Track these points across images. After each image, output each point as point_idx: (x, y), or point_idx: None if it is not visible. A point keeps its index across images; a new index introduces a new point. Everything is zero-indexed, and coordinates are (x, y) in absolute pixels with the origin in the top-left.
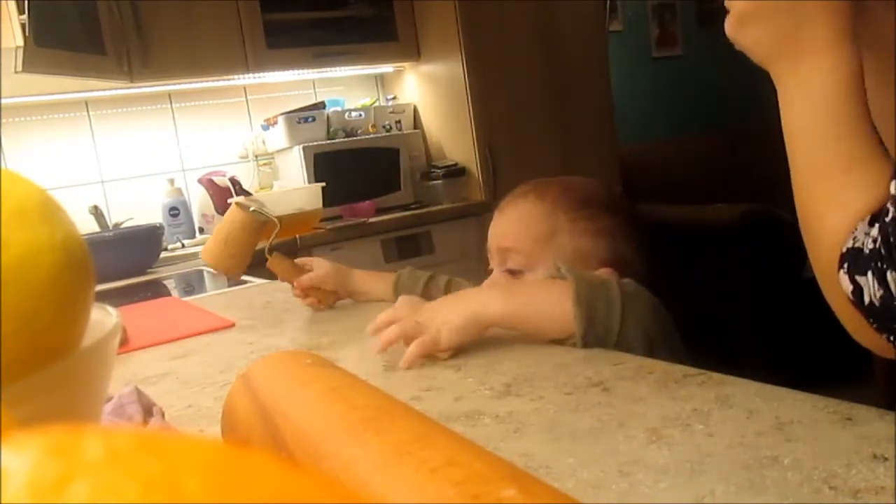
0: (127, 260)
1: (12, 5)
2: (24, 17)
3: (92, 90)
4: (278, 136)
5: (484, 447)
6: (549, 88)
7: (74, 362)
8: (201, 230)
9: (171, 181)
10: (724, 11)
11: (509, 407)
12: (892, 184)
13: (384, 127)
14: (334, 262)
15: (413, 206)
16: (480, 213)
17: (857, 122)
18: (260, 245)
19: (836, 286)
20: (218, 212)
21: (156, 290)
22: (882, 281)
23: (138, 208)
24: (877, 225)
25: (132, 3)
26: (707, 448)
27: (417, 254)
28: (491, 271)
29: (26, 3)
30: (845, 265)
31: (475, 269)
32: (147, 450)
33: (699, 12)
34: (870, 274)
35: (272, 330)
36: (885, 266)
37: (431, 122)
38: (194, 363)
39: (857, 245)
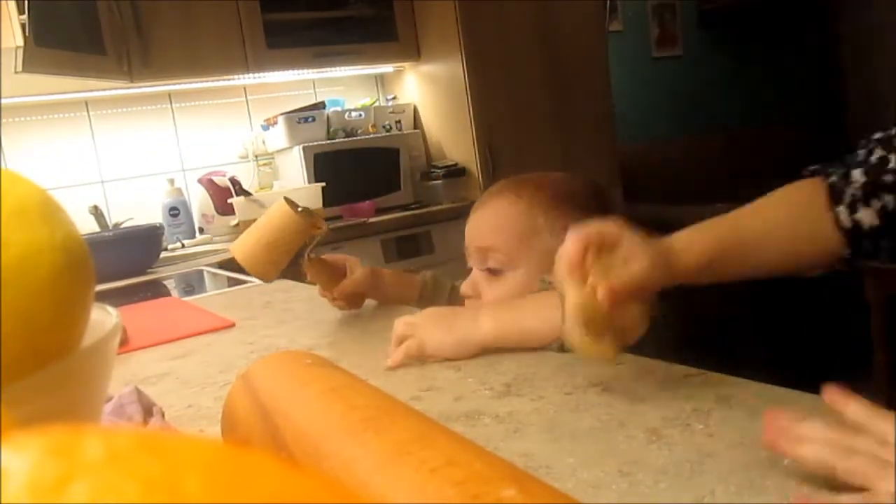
0: (127, 260)
1: (12, 5)
2: (24, 17)
3: (92, 90)
4: (278, 136)
5: (484, 447)
6: (549, 88)
7: (74, 362)
8: (201, 230)
9: (171, 181)
10: (724, 11)
11: (509, 407)
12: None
13: (384, 127)
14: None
15: (413, 206)
16: None
17: None
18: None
19: None
20: (218, 212)
21: (156, 290)
22: None
23: (138, 208)
24: None
25: (132, 3)
26: (707, 448)
27: (417, 254)
28: (470, 270)
29: (26, 3)
30: None
31: None
32: (147, 450)
33: (699, 12)
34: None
35: (272, 330)
36: None
37: (431, 122)
38: (194, 363)
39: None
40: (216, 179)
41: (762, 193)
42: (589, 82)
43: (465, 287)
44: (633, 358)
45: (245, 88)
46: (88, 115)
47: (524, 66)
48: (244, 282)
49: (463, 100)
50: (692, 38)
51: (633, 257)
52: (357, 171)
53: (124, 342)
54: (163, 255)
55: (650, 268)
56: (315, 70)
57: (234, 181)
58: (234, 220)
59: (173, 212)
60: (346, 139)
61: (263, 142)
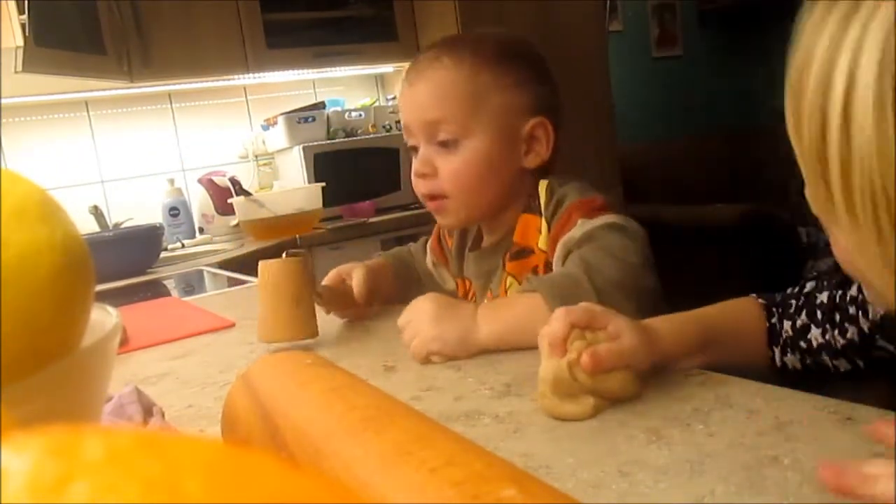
0: (127, 260)
1: (12, 5)
2: (24, 17)
3: (92, 90)
4: (278, 136)
5: (484, 447)
6: None
7: (74, 362)
8: (201, 230)
9: (171, 181)
10: (724, 11)
11: (509, 407)
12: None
13: (384, 127)
14: (347, 263)
15: (413, 206)
16: None
17: None
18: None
19: None
20: (218, 212)
21: (156, 290)
22: None
23: (138, 208)
24: None
25: (132, 3)
26: (707, 448)
27: None
28: (413, 149)
29: (26, 3)
30: None
31: None
32: (147, 450)
33: (699, 12)
34: None
35: None
36: None
37: None
38: (194, 363)
39: None
40: (216, 179)
41: (762, 193)
42: (589, 82)
43: (418, 166)
44: None
45: (245, 88)
46: (88, 115)
47: None
48: (244, 282)
49: None
50: (692, 38)
51: (622, 335)
52: (357, 171)
53: (124, 342)
54: (163, 255)
55: (639, 344)
56: (315, 70)
57: (234, 181)
58: (234, 220)
59: (173, 212)
60: (346, 139)
61: (263, 142)
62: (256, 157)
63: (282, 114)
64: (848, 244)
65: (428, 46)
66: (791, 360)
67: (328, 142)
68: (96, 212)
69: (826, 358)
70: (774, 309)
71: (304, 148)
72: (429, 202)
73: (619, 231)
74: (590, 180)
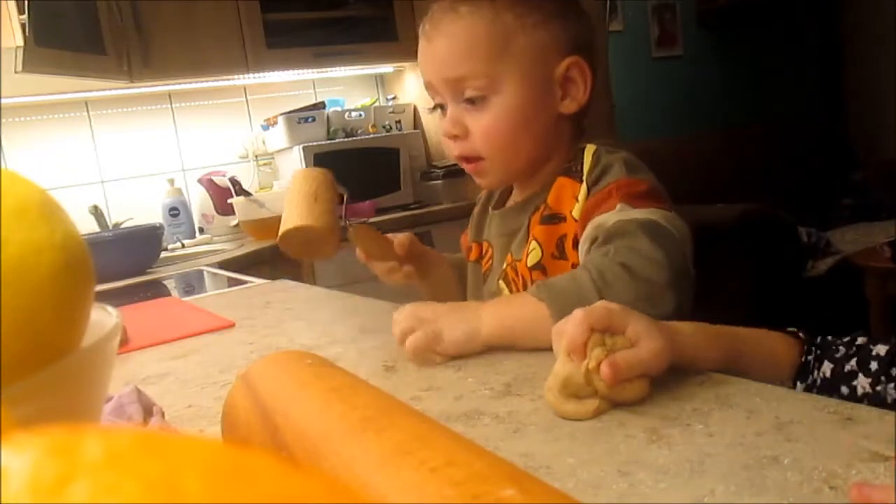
0: (127, 260)
1: (12, 5)
2: (24, 17)
3: (92, 90)
4: (278, 136)
5: (484, 447)
6: None
7: (74, 362)
8: (201, 230)
9: (171, 181)
10: (724, 11)
11: (509, 407)
12: None
13: (384, 127)
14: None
15: (413, 206)
16: None
17: None
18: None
19: None
20: (218, 212)
21: (156, 290)
22: None
23: (138, 208)
24: None
25: (132, 3)
26: (707, 448)
27: None
28: (439, 106)
29: (26, 3)
30: None
31: None
32: (147, 450)
33: (699, 12)
34: None
35: (272, 330)
36: None
37: (431, 123)
38: (194, 363)
39: None
40: (216, 179)
41: (762, 193)
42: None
43: (448, 126)
44: None
45: (245, 88)
46: (88, 115)
47: None
48: (244, 282)
49: None
50: (692, 38)
51: (641, 340)
52: (357, 171)
53: (124, 342)
54: (163, 255)
55: (659, 350)
56: (315, 70)
57: (234, 181)
58: (234, 221)
59: (173, 212)
60: (346, 139)
61: (263, 142)
62: (256, 157)
63: (282, 114)
64: None
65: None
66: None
67: (328, 142)
68: (96, 212)
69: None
70: (813, 347)
71: (304, 148)
72: (464, 164)
73: (654, 234)
74: None
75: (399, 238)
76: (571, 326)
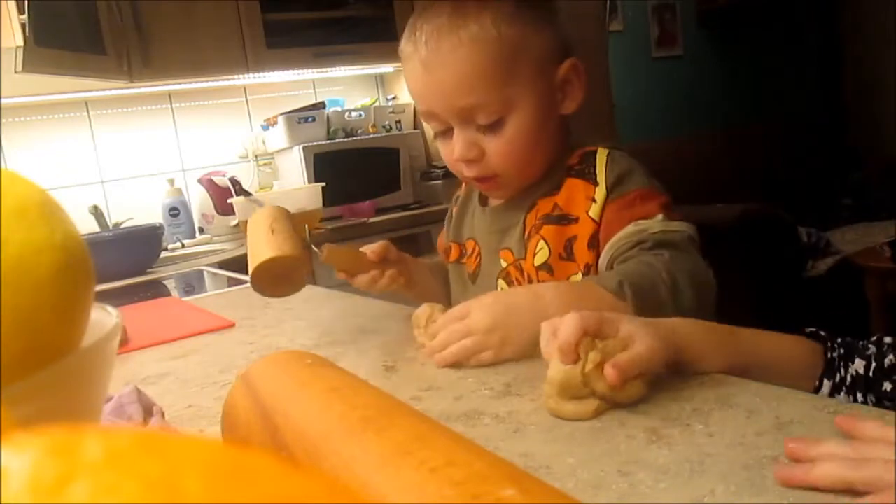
0: (127, 260)
1: (12, 5)
2: (24, 17)
3: (92, 90)
4: (278, 136)
5: (484, 447)
6: None
7: (74, 362)
8: (201, 230)
9: (171, 181)
10: (724, 11)
11: (509, 407)
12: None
13: (384, 127)
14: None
15: (413, 206)
16: None
17: None
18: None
19: None
20: (218, 212)
21: (156, 290)
22: None
23: (138, 208)
24: None
25: (132, 3)
26: (707, 448)
27: (417, 254)
28: (441, 131)
29: (26, 3)
30: None
31: None
32: (147, 450)
33: (699, 12)
34: None
35: (272, 330)
36: None
37: None
38: (194, 363)
39: None
40: (216, 179)
41: (762, 193)
42: (589, 82)
43: (463, 151)
44: None
45: (245, 88)
46: (88, 115)
47: None
48: (244, 282)
49: None
50: (692, 38)
51: (634, 340)
52: (357, 171)
53: (124, 342)
54: (163, 255)
55: (655, 348)
56: (315, 70)
57: (234, 181)
58: (233, 220)
59: (173, 212)
60: (346, 139)
61: (263, 142)
62: (256, 157)
63: (282, 114)
64: None
65: (433, 14)
66: (843, 398)
67: (328, 142)
68: (96, 212)
69: None
70: (836, 345)
71: (304, 148)
72: (478, 183)
73: (695, 248)
74: None
75: (372, 247)
76: (565, 328)
